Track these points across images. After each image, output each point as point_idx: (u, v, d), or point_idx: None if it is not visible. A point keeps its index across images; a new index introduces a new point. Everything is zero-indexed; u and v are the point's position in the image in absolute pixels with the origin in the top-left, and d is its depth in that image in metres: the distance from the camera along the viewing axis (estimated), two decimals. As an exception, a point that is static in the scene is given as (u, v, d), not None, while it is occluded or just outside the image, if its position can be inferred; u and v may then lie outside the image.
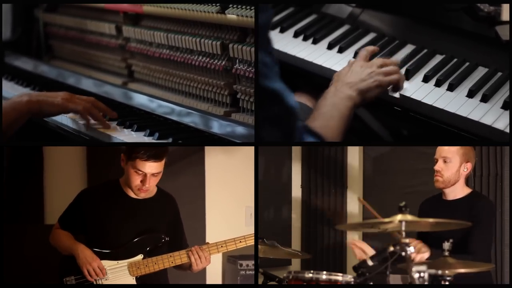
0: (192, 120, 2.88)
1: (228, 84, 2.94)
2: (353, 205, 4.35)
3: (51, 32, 4.02)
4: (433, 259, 2.86)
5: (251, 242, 3.04)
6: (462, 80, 2.77)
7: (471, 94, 2.68)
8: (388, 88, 2.74)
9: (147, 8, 3.26)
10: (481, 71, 2.81)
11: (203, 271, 3.81)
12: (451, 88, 2.73)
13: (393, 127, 3.32)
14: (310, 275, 2.83)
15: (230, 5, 2.86)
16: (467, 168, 3.10)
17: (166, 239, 2.98)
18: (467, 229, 2.96)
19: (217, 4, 2.92)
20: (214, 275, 3.91)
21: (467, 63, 2.86)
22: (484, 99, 2.64)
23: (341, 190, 4.38)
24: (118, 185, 3.01)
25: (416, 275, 2.34)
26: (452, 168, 3.09)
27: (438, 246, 2.85)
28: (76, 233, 3.01)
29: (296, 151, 4.54)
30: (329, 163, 4.42)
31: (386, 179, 4.23)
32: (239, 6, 2.84)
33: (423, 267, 2.34)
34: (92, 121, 2.93)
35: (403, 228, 2.55)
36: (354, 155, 4.37)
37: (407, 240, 2.53)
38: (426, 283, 2.33)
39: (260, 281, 3.23)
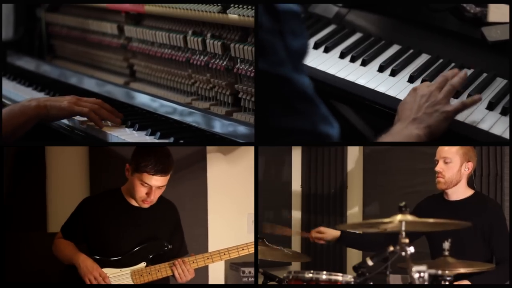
0: (194, 120, 2.88)
1: (229, 83, 2.94)
2: (353, 205, 4.35)
3: (53, 32, 4.02)
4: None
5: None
6: None
7: (456, 94, 2.67)
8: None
9: (149, 8, 3.27)
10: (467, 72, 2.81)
11: (205, 278, 3.83)
12: None
13: (378, 126, 3.32)
14: (310, 275, 2.83)
15: (232, 5, 2.86)
16: (468, 167, 3.11)
17: (169, 246, 3.00)
18: (476, 233, 3.00)
19: (219, 4, 2.92)
20: (216, 282, 3.90)
21: (453, 64, 2.87)
22: None
23: (341, 190, 4.39)
24: (120, 193, 3.02)
25: (416, 275, 2.31)
26: (453, 168, 3.09)
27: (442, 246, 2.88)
28: (78, 242, 3.02)
29: (296, 151, 4.55)
30: (329, 163, 4.43)
31: (386, 179, 4.23)
32: (240, 6, 2.83)
33: (423, 267, 2.33)
34: (102, 121, 2.93)
35: (403, 228, 2.54)
36: (354, 155, 4.38)
37: (407, 240, 2.53)
38: (426, 283, 2.31)
39: (260, 281, 3.24)
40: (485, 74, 2.79)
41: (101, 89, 3.36)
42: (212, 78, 3.01)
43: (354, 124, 3.35)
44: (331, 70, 2.92)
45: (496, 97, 2.65)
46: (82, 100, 2.94)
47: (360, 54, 2.97)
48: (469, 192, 3.15)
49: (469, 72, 2.80)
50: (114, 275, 2.93)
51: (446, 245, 2.87)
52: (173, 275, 2.98)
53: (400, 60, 2.92)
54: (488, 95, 2.68)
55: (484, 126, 2.56)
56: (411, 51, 2.97)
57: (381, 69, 2.89)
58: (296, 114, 2.03)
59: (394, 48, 3.00)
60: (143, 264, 2.96)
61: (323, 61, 2.97)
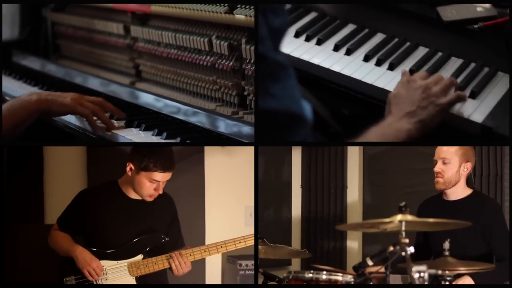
0: (199, 120, 2.89)
1: (236, 84, 2.95)
2: (353, 205, 4.37)
3: (59, 32, 4.02)
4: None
5: (251, 242, 3.06)
6: (403, 60, 2.79)
7: (411, 73, 2.67)
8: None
9: (155, 8, 3.27)
10: (421, 51, 2.84)
11: (202, 271, 3.84)
12: (391, 68, 2.76)
13: (334, 106, 3.30)
14: (310, 275, 2.85)
15: (238, 6, 2.86)
16: (467, 168, 3.11)
17: (166, 239, 3.01)
18: (476, 232, 3.01)
19: (225, 4, 2.92)
20: (213, 275, 3.91)
21: (408, 43, 2.88)
22: None
23: (341, 190, 4.40)
24: (117, 186, 3.03)
25: (416, 275, 2.33)
26: (452, 169, 3.10)
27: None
28: (75, 234, 3.03)
29: (296, 151, 4.56)
30: (329, 163, 4.44)
31: (386, 179, 4.24)
32: (247, 7, 2.83)
33: (423, 267, 2.34)
34: (99, 124, 2.93)
35: (403, 228, 2.56)
36: (354, 155, 4.39)
37: (407, 240, 2.55)
38: (426, 283, 2.33)
39: (260, 281, 3.24)
40: (440, 54, 2.81)
41: (106, 88, 3.37)
42: (219, 79, 3.01)
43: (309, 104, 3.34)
44: (286, 50, 2.89)
45: (464, 81, 2.66)
46: (85, 99, 2.93)
47: (315, 33, 2.96)
48: (467, 192, 3.16)
49: (425, 51, 2.83)
50: (111, 267, 2.94)
51: (446, 245, 2.88)
52: (170, 268, 2.99)
53: (355, 40, 2.92)
54: (443, 74, 2.67)
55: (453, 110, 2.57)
56: (366, 30, 2.96)
57: (336, 48, 2.89)
58: (268, 93, 2.00)
59: (349, 28, 2.99)
60: (140, 257, 2.97)
61: None
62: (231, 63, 2.95)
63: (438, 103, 2.47)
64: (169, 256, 2.97)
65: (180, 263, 2.96)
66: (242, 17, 2.86)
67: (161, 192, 2.96)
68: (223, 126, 2.79)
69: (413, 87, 2.51)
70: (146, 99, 3.15)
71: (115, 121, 2.97)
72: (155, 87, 3.37)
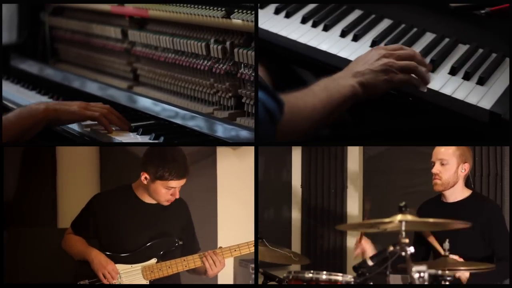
0: (196, 124, 2.89)
1: (232, 85, 2.96)
2: (353, 205, 4.38)
3: (57, 36, 4.03)
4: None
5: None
6: (410, 46, 2.77)
7: None
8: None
9: (153, 12, 3.28)
10: (428, 37, 2.84)
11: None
12: None
13: None
14: (310, 275, 2.85)
15: (236, 10, 2.87)
16: (464, 169, 3.11)
17: (180, 243, 3.01)
18: (476, 233, 3.02)
19: (223, 9, 2.93)
20: (226, 278, 3.91)
21: (415, 29, 2.87)
22: (432, 65, 2.67)
23: (341, 190, 4.40)
24: (131, 190, 3.03)
25: (416, 275, 2.34)
26: (450, 170, 3.10)
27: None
28: (89, 238, 3.03)
29: (296, 151, 4.57)
30: (329, 163, 4.44)
31: (386, 179, 4.24)
32: (244, 11, 2.84)
33: (423, 267, 2.35)
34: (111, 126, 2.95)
35: (403, 228, 2.57)
36: (354, 155, 4.39)
37: (407, 240, 2.56)
38: (426, 283, 2.34)
39: (260, 281, 3.25)
40: (447, 39, 2.81)
41: (104, 92, 3.38)
42: (216, 83, 3.02)
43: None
44: (293, 36, 2.89)
45: (458, 62, 2.67)
46: (91, 105, 2.96)
47: (322, 19, 2.95)
48: (466, 193, 3.15)
49: (432, 37, 2.82)
50: (125, 271, 2.94)
51: (446, 245, 2.89)
52: (193, 272, 3.01)
53: (362, 25, 2.91)
54: (450, 60, 2.70)
55: (446, 91, 2.57)
56: (373, 16, 2.96)
57: (343, 34, 2.88)
58: None
59: (356, 13, 2.99)
60: (153, 260, 2.97)
61: (284, 26, 2.94)
62: (228, 67, 2.96)
63: (390, 76, 2.49)
64: (202, 256, 2.97)
65: (214, 261, 2.96)
66: (239, 21, 2.86)
67: (177, 196, 2.96)
68: (221, 130, 2.80)
69: (373, 53, 2.55)
70: (144, 103, 3.16)
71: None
72: (152, 91, 3.38)
